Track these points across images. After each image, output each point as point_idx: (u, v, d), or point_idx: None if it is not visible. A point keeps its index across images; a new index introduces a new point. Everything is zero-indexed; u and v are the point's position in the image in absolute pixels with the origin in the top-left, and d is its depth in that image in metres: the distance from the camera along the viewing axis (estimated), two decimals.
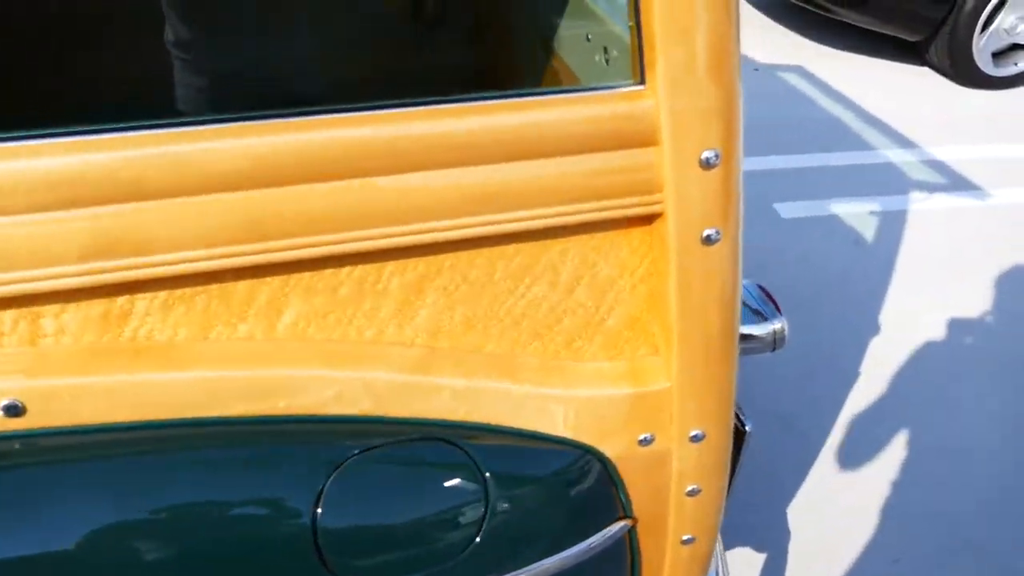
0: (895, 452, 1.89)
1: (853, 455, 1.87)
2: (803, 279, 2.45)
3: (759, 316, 0.92)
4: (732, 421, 0.80)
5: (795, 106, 3.60)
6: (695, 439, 0.77)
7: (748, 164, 3.34)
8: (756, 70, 3.97)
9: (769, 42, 4.27)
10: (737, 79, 0.60)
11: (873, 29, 3.94)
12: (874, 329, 2.26)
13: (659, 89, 0.58)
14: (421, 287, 0.66)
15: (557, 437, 0.73)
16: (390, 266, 0.64)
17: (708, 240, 0.65)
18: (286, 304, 0.64)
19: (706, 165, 0.61)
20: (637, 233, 0.69)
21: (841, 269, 2.51)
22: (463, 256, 0.66)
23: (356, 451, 0.65)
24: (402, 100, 0.56)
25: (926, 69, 3.97)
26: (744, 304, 0.96)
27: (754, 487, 1.74)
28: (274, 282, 0.62)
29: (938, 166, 3.15)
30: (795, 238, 2.66)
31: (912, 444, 1.90)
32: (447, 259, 0.65)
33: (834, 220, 2.78)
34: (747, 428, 0.88)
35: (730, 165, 0.62)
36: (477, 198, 0.59)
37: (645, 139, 0.61)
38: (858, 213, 2.82)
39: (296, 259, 0.60)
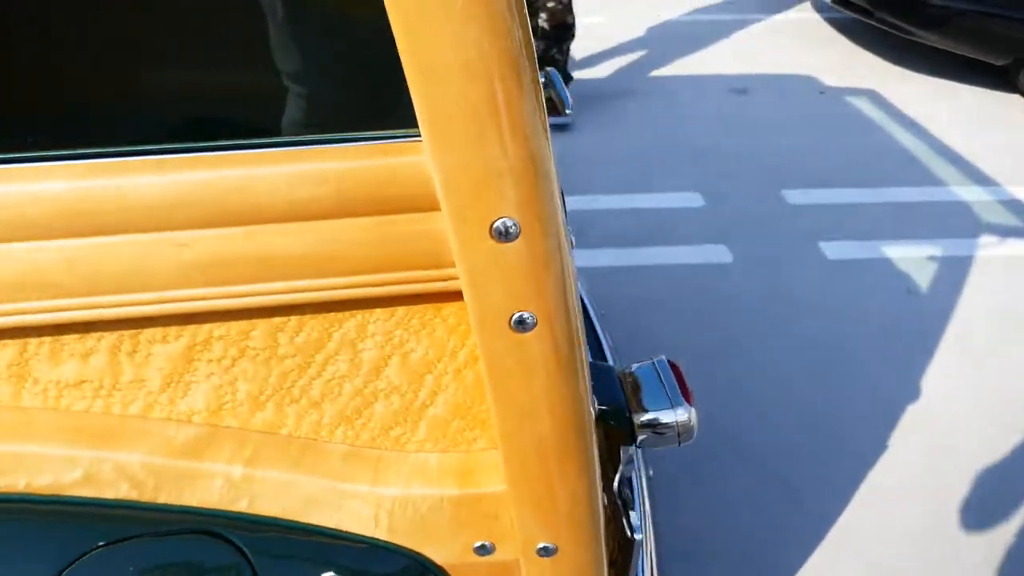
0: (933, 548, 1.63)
1: (869, 551, 1.63)
2: (841, 331, 2.20)
3: (667, 402, 0.77)
4: (596, 533, 0.66)
5: (859, 134, 3.30)
6: (544, 552, 0.64)
7: (793, 197, 2.98)
8: (822, 93, 3.68)
9: (840, 62, 3.96)
10: (538, 130, 0.47)
11: (955, 52, 3.58)
12: (914, 395, 1.99)
13: (426, 140, 0.46)
14: (189, 358, 0.57)
15: (363, 537, 0.62)
16: (146, 334, 0.56)
17: (521, 325, 0.52)
18: (28, 371, 0.56)
19: (501, 236, 0.49)
20: (452, 310, 0.57)
21: (886, 321, 2.24)
22: (234, 326, 0.56)
23: (101, 542, 0.56)
24: (107, 150, 0.47)
25: (1015, 96, 3.55)
26: (662, 385, 0.82)
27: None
28: (9, 346, 0.55)
29: (1016, 207, 2.78)
30: (839, 283, 2.40)
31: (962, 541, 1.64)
32: (214, 328, 0.56)
33: (886, 264, 2.50)
34: (636, 536, 0.74)
35: (536, 236, 0.49)
36: (204, 266, 0.49)
37: (425, 202, 0.50)
38: (915, 257, 2.52)
39: (28, 324, 0.52)
